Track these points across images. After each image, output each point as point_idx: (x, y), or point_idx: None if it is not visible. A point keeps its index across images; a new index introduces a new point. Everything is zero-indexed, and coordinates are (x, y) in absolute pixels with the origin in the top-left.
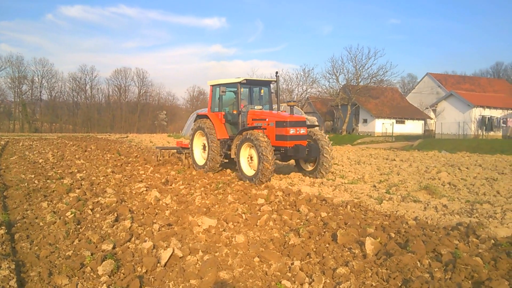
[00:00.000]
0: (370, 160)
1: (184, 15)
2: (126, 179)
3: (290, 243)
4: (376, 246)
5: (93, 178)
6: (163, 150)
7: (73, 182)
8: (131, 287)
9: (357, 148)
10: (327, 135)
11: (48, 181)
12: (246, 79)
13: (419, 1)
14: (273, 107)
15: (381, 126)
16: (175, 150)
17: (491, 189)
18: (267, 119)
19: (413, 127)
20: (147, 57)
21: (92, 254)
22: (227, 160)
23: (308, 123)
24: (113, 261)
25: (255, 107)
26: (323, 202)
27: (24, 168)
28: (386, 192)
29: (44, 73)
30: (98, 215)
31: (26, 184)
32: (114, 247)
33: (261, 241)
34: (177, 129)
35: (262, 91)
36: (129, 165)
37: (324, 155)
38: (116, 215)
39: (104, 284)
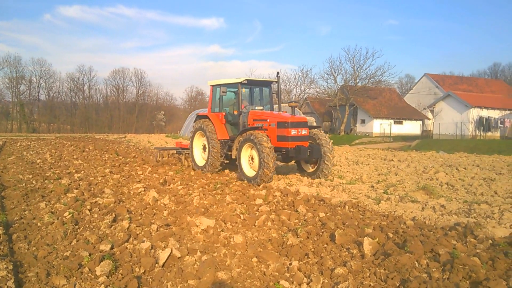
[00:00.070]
0: (368, 160)
1: (182, 16)
2: (124, 179)
3: (288, 243)
4: (374, 246)
5: (91, 178)
6: (162, 151)
7: (71, 182)
8: None
9: (355, 149)
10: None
11: (46, 181)
12: (247, 79)
13: (417, 1)
14: (274, 108)
15: (379, 126)
16: (174, 151)
17: (488, 190)
18: (268, 120)
19: (411, 127)
20: (145, 58)
21: (90, 255)
22: (227, 161)
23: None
24: (111, 262)
25: (256, 108)
26: (321, 202)
27: (22, 169)
28: (384, 193)
29: (42, 73)
30: (96, 216)
31: (24, 184)
32: (112, 248)
33: (259, 241)
34: (175, 129)
35: (263, 91)
36: (127, 165)
37: (326, 154)
38: (114, 216)
39: (102, 285)
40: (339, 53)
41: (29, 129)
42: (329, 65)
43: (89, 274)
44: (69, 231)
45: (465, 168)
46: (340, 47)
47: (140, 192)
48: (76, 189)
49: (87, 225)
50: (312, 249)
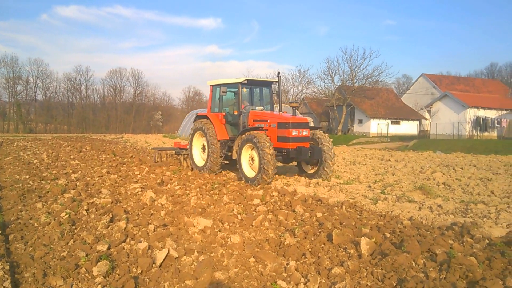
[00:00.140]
0: (365, 160)
1: (179, 16)
2: (121, 179)
3: (285, 243)
4: (371, 246)
5: (88, 178)
6: (160, 151)
7: (68, 182)
8: None
9: (352, 149)
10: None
11: (42, 181)
12: (247, 79)
13: (414, 2)
14: (274, 108)
15: (376, 126)
16: (173, 151)
17: (485, 189)
18: (269, 120)
19: (408, 127)
20: (143, 58)
21: (87, 255)
22: (227, 162)
23: None
24: (108, 262)
25: (256, 108)
26: (319, 202)
27: (19, 169)
28: (381, 192)
29: (39, 73)
30: (93, 216)
31: (20, 184)
32: (109, 248)
33: (256, 242)
34: (173, 129)
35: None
36: (124, 165)
37: (327, 153)
38: (111, 216)
39: (99, 285)
40: (336, 53)
41: (26, 129)
42: (327, 65)
43: (86, 275)
44: (66, 231)
45: (462, 168)
46: (337, 47)
47: (137, 192)
48: (73, 189)
49: (84, 226)
50: (309, 249)
